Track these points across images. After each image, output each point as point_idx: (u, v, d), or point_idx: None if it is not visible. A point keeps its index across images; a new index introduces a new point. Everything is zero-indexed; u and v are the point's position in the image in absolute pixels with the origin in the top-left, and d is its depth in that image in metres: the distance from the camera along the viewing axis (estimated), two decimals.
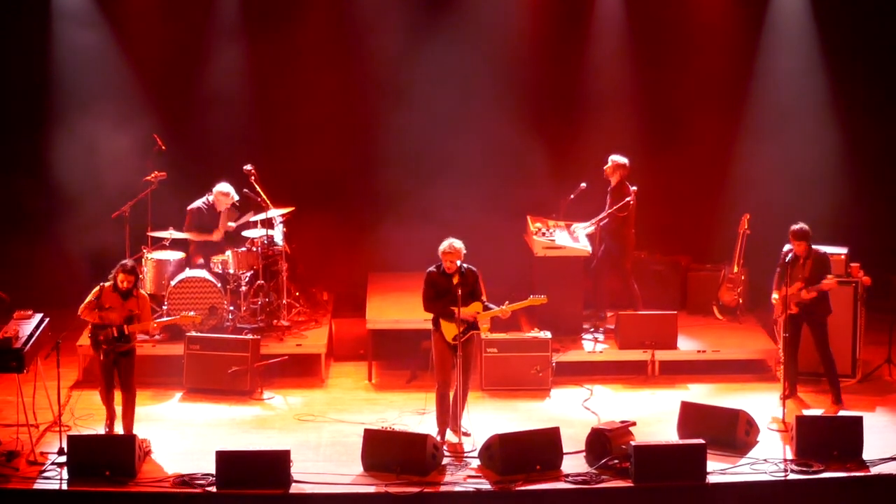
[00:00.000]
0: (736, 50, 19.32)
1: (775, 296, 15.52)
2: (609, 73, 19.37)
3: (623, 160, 17.59)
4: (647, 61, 19.33)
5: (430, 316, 14.73)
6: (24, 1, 18.84)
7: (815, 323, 15.44)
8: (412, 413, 15.59)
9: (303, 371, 16.89)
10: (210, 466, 13.61)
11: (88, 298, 14.31)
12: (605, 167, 17.62)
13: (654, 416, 15.52)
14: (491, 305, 14.70)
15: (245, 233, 17.54)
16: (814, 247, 15.40)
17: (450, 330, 14.50)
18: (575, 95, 19.43)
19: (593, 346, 17.25)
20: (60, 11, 18.77)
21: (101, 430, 14.66)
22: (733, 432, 14.46)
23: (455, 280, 14.42)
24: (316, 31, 19.12)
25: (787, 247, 15.59)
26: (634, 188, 17.60)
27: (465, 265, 14.53)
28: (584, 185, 17.76)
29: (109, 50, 18.87)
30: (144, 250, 17.30)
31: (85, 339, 15.78)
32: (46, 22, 18.76)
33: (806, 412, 15.23)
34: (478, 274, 14.70)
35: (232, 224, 17.62)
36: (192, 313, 15.14)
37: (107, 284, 14.35)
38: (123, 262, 14.45)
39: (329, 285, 18.97)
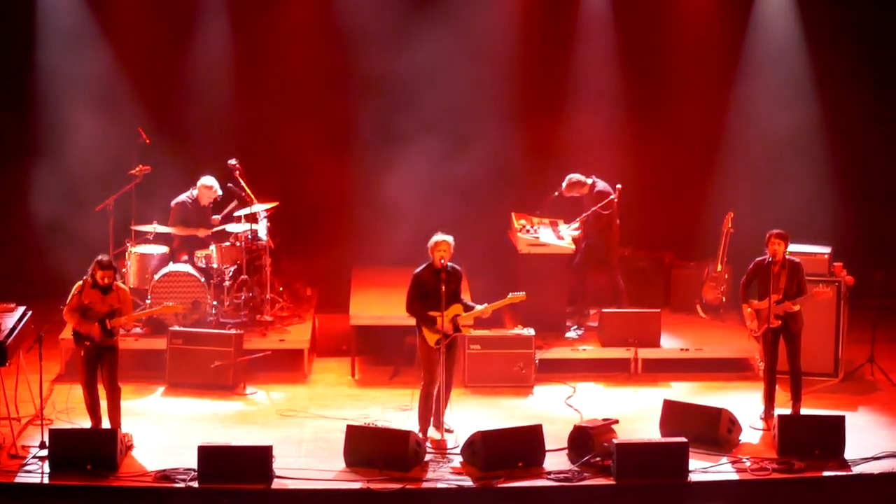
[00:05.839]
0: (721, 48, 19.33)
1: (748, 309, 15.27)
2: (594, 69, 19.36)
3: (572, 177, 17.60)
4: (632, 57, 19.34)
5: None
6: None
7: (791, 335, 15.19)
8: (395, 409, 15.58)
9: (286, 366, 16.87)
10: (192, 461, 13.59)
11: (70, 299, 14.22)
12: (571, 195, 17.66)
13: (637, 414, 15.54)
14: (472, 304, 14.69)
15: (229, 227, 17.51)
16: (787, 256, 15.16)
17: (432, 335, 14.48)
18: (560, 92, 19.42)
19: (576, 343, 17.25)
20: (44, 5, 18.73)
21: (84, 424, 14.61)
22: (716, 430, 14.47)
23: (443, 276, 14.38)
24: (300, 25, 19.11)
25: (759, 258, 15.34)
26: (619, 186, 17.62)
27: (450, 264, 14.51)
28: (564, 185, 17.75)
29: (93, 43, 18.82)
30: (128, 244, 17.27)
31: (67, 333, 15.73)
32: (31, 15, 18.71)
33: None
34: (461, 274, 14.69)
35: (217, 217, 17.60)
36: (171, 303, 15.12)
37: (87, 280, 14.27)
38: (99, 257, 14.31)
39: (313, 280, 18.95)
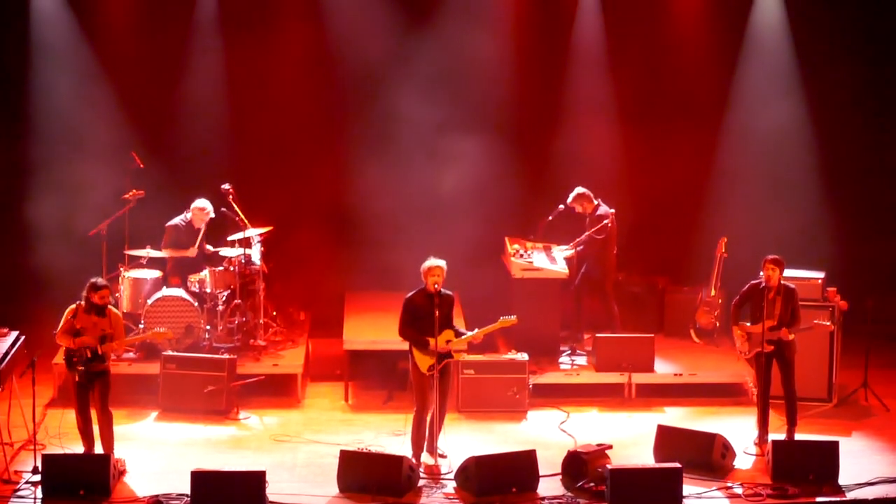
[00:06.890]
0: (714, 71, 19.40)
1: (738, 331, 15.30)
2: (587, 94, 19.41)
3: (581, 190, 17.65)
4: (626, 82, 19.39)
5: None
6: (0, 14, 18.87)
7: (785, 360, 15.19)
8: (389, 434, 15.55)
9: (279, 391, 16.83)
10: (185, 486, 13.54)
11: (63, 322, 14.19)
12: (574, 206, 17.68)
13: (631, 439, 15.51)
14: (463, 331, 14.67)
15: (222, 252, 17.49)
16: (782, 282, 15.14)
17: (424, 361, 14.46)
18: (553, 116, 19.45)
19: (570, 369, 17.24)
20: (39, 31, 18.77)
21: (77, 449, 14.57)
22: (710, 456, 14.45)
23: (436, 301, 14.35)
24: (294, 50, 19.15)
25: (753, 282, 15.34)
26: (612, 210, 17.64)
27: (442, 290, 14.48)
28: (562, 206, 17.77)
29: (87, 67, 18.86)
30: (121, 269, 17.25)
31: (60, 358, 15.71)
32: (25, 39, 18.75)
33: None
34: (454, 299, 14.67)
35: (210, 248, 17.58)
36: (162, 329, 15.07)
37: (80, 304, 14.24)
38: (93, 280, 14.32)
39: (306, 305, 18.93)
